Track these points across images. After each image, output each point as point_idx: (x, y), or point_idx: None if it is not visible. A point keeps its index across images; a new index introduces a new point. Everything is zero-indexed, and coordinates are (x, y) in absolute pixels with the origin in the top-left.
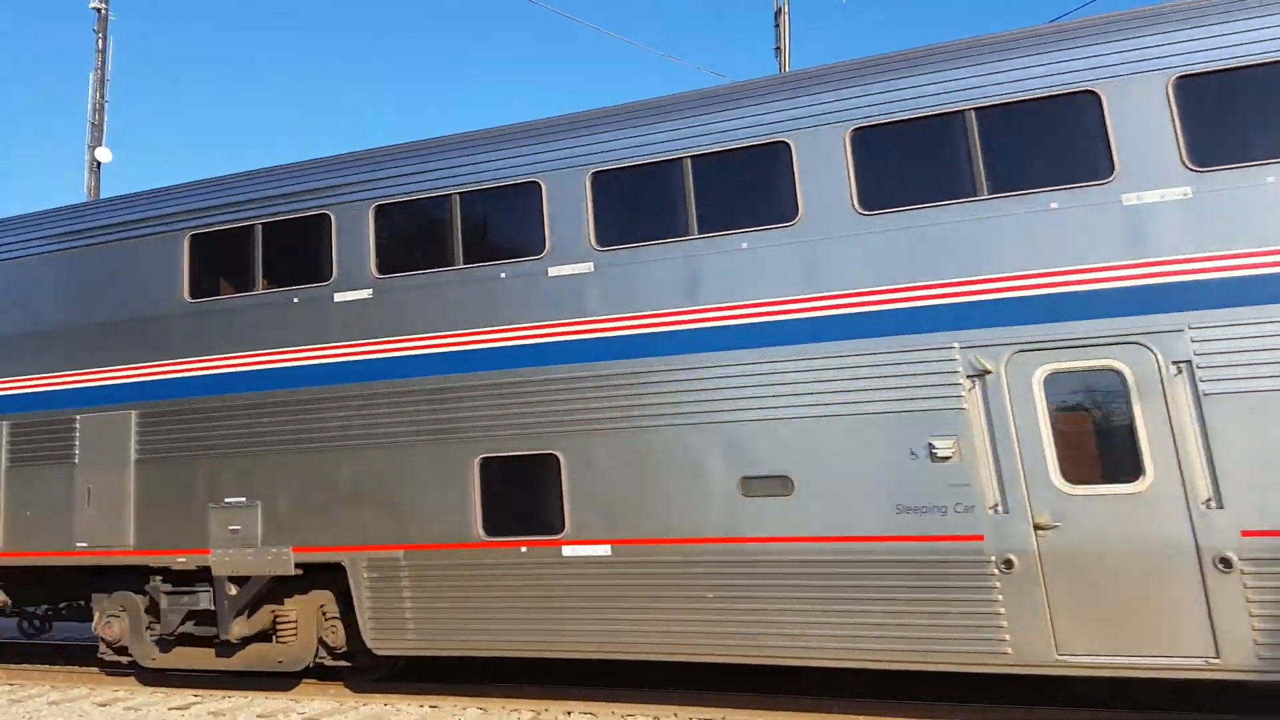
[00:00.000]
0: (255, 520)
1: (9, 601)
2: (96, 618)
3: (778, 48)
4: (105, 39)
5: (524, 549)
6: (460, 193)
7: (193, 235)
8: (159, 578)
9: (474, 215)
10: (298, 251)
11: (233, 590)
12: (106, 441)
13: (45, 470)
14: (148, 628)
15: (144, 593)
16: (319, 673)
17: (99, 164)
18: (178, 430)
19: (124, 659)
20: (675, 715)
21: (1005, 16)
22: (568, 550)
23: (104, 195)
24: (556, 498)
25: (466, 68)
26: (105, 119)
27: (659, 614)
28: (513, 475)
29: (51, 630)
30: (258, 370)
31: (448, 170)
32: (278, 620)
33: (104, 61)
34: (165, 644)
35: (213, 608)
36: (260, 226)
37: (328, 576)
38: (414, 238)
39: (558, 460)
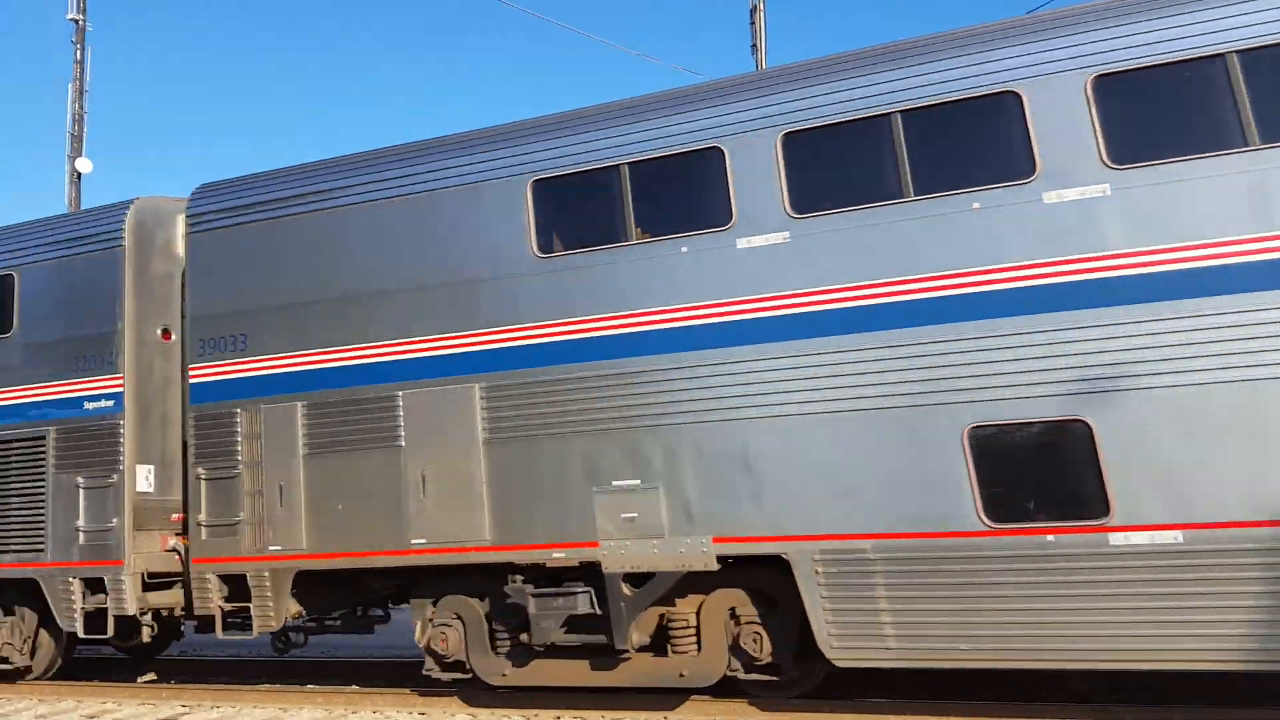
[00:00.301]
0: (657, 506)
1: (303, 612)
2: (419, 629)
3: (754, 45)
4: (83, 50)
5: (1051, 538)
6: (903, 111)
7: (536, 180)
8: (519, 578)
9: (923, 138)
10: (681, 193)
11: (627, 590)
12: (443, 420)
13: (360, 457)
14: (490, 637)
15: (483, 596)
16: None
17: (79, 174)
18: (538, 404)
19: (446, 676)
20: (664, 719)
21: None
22: (1118, 539)
23: (85, 204)
24: (1090, 474)
25: (460, 66)
26: (85, 129)
27: (1258, 613)
28: (1021, 447)
29: (306, 643)
30: (639, 332)
31: (884, 86)
32: (670, 625)
33: (82, 72)
34: (517, 657)
35: (594, 611)
36: (627, 166)
37: (738, 572)
38: (839, 169)
39: (1088, 427)
